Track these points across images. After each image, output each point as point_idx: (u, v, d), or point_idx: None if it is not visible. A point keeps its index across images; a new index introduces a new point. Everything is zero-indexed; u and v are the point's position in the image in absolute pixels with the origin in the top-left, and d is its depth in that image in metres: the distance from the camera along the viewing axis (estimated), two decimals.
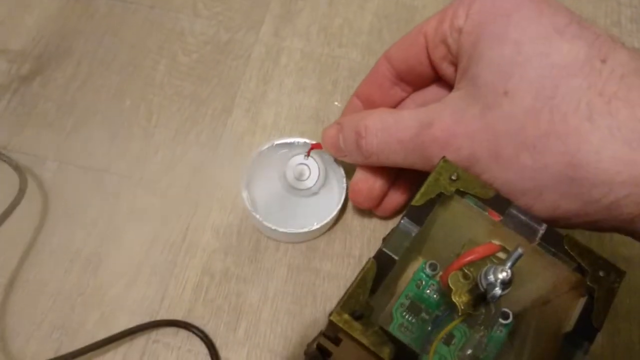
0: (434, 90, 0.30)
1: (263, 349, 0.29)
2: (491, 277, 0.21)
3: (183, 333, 0.29)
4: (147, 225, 0.32)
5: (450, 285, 0.23)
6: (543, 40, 0.22)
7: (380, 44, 0.39)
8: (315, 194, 0.33)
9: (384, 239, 0.31)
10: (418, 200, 0.23)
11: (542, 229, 0.23)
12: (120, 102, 0.35)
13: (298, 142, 0.33)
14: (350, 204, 0.33)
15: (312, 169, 0.32)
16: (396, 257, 0.22)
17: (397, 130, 0.26)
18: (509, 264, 0.21)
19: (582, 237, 0.24)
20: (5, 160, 0.32)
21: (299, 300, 0.31)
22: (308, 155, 0.32)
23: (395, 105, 0.31)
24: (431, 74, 0.29)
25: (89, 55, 0.37)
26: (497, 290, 0.21)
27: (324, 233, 0.32)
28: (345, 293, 0.22)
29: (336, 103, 0.37)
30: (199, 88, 0.36)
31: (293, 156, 0.33)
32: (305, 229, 0.31)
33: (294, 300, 0.30)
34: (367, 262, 0.22)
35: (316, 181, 0.32)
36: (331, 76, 0.38)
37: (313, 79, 0.37)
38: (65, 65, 0.37)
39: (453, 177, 0.23)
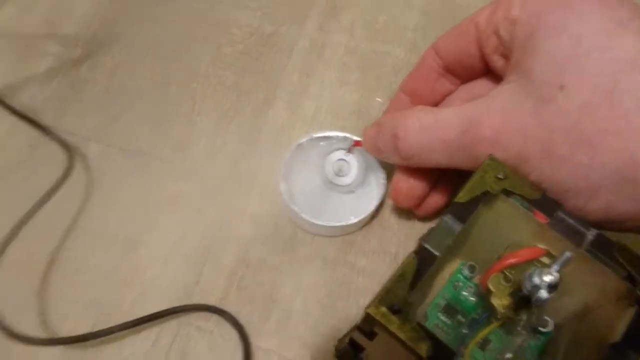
0: (482, 84, 0.29)
1: (294, 340, 0.29)
2: (536, 280, 0.21)
3: (215, 318, 0.29)
4: (186, 210, 0.32)
5: (491, 287, 0.23)
6: (605, 33, 0.21)
7: (424, 42, 0.38)
8: (352, 191, 0.32)
9: (421, 239, 0.30)
10: (462, 197, 0.22)
11: (591, 234, 0.22)
12: (165, 89, 0.36)
13: (337, 136, 0.33)
14: (388, 200, 0.33)
15: (351, 165, 0.32)
16: (437, 254, 0.22)
17: (438, 129, 0.25)
18: (555, 267, 0.21)
19: (628, 239, 0.23)
20: (54, 139, 0.33)
21: (332, 293, 0.30)
22: (349, 151, 0.32)
23: (442, 98, 0.30)
24: (481, 66, 0.28)
25: (137, 42, 0.38)
26: (543, 293, 0.20)
27: (360, 228, 0.32)
28: (384, 287, 0.22)
29: (378, 99, 0.36)
30: (241, 79, 0.37)
31: (333, 151, 0.33)
32: (342, 223, 0.30)
33: (327, 294, 0.30)
34: (407, 257, 0.22)
35: (355, 178, 0.32)
36: (374, 72, 0.37)
37: (356, 75, 0.37)
38: (114, 51, 0.37)
39: (500, 176, 0.23)
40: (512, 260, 0.23)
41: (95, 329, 0.28)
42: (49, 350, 0.28)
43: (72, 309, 0.29)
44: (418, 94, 0.30)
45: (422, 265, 0.22)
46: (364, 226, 0.32)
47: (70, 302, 0.29)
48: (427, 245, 0.22)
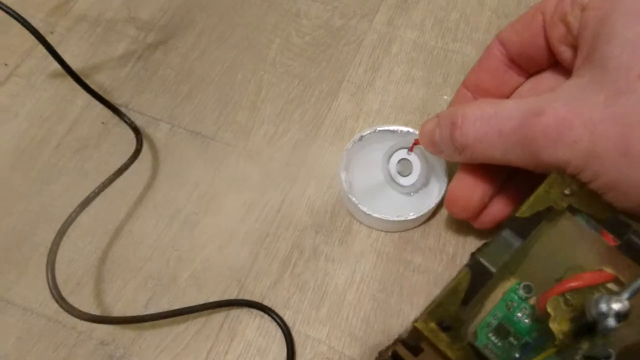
0: (550, 77, 0.27)
1: (344, 332, 0.29)
2: (604, 307, 0.19)
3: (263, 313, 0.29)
4: (245, 193, 0.33)
5: (549, 310, 0.21)
6: None
7: None
8: (412, 193, 0.32)
9: (473, 254, 0.29)
10: (524, 211, 0.21)
11: None
12: (233, 75, 0.37)
13: (401, 131, 0.32)
14: None
15: (414, 166, 0.32)
16: (493, 270, 0.21)
17: (497, 120, 0.23)
18: (626, 294, 0.19)
19: None
20: (126, 121, 0.34)
21: (385, 288, 0.30)
22: (411, 150, 0.31)
23: (510, 93, 0.29)
24: (548, 58, 0.26)
25: (209, 29, 0.39)
26: (611, 322, 0.18)
27: (418, 225, 0.31)
28: (434, 301, 0.21)
29: (445, 97, 0.36)
30: (308, 69, 0.37)
31: (396, 150, 0.32)
32: (400, 218, 0.30)
33: (380, 288, 0.30)
34: (460, 271, 0.21)
35: (416, 180, 0.31)
36: (442, 69, 0.37)
37: (423, 71, 0.37)
38: (187, 36, 0.38)
39: (566, 192, 0.21)
40: (575, 283, 0.21)
41: (152, 302, 0.29)
42: (102, 327, 0.28)
43: (131, 279, 0.30)
44: (482, 88, 0.29)
45: (476, 281, 0.20)
46: (422, 223, 0.32)
47: (131, 272, 0.30)
48: (482, 260, 0.21)
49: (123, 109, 0.35)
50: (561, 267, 0.23)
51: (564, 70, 0.26)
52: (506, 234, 0.21)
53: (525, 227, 0.21)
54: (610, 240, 0.21)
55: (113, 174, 0.30)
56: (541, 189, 0.21)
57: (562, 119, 0.21)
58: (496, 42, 0.28)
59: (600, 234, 0.21)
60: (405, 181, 0.32)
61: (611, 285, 0.22)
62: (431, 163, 0.32)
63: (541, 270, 0.24)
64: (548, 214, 0.21)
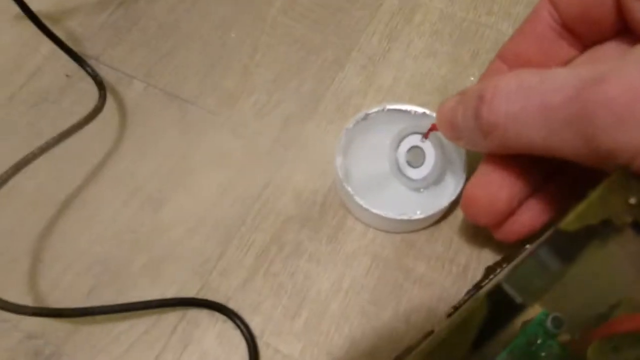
0: (615, 48, 0.21)
1: (322, 350, 0.23)
2: None
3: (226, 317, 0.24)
4: (224, 171, 0.27)
5: (590, 357, 0.16)
6: None
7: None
8: (422, 189, 0.26)
9: (488, 270, 0.23)
10: (570, 222, 0.15)
11: None
12: (225, 33, 0.31)
13: (416, 112, 0.27)
14: None
15: (428, 156, 0.26)
16: (519, 301, 0.15)
17: (542, 91, 0.17)
18: None
19: None
20: (89, 73, 0.29)
21: (379, 300, 0.24)
22: (426, 137, 0.26)
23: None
24: (616, 22, 0.20)
25: None
26: None
27: (426, 227, 0.26)
28: (435, 335, 0.15)
29: (472, 78, 0.30)
30: (313, 33, 0.31)
31: (408, 135, 0.26)
32: (405, 217, 0.24)
33: (372, 300, 0.24)
34: (474, 300, 0.15)
35: (429, 173, 0.26)
36: (471, 46, 0.31)
37: (448, 45, 0.31)
38: None
39: (632, 201, 0.15)
40: (628, 326, 0.16)
41: (95, 291, 0.25)
42: (32, 319, 0.24)
43: (75, 261, 0.25)
44: (523, 60, 0.23)
45: (496, 315, 0.15)
46: (430, 225, 0.26)
47: (75, 252, 0.25)
48: (506, 287, 0.15)
49: (92, 62, 0.30)
50: (608, 299, 0.17)
51: (635, 40, 0.20)
52: (544, 251, 0.15)
53: (570, 245, 0.15)
54: None
55: (61, 133, 0.25)
56: (596, 194, 0.15)
57: (635, 88, 0.15)
58: (546, 1, 0.22)
59: None
60: (415, 174, 0.26)
61: None
62: (449, 155, 0.26)
63: (579, 300, 0.18)
64: (604, 230, 0.15)
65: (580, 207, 0.15)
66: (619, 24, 0.20)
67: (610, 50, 0.21)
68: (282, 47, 0.31)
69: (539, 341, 0.18)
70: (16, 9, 0.31)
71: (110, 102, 0.29)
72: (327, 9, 0.32)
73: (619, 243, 0.16)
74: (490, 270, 0.24)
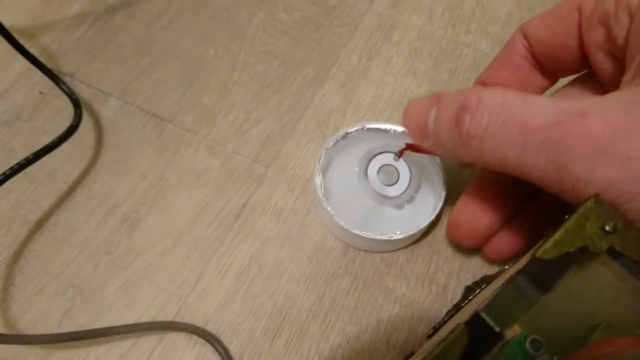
0: (582, 85, 0.23)
1: None
2: None
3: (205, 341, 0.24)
4: (201, 190, 0.27)
5: None
6: None
7: None
8: (400, 206, 0.26)
9: (467, 289, 0.24)
10: (547, 250, 0.15)
11: None
12: (203, 50, 0.31)
13: (395, 131, 0.27)
14: (445, 218, 0.26)
15: (401, 174, 0.26)
16: (498, 329, 0.15)
17: (525, 112, 0.18)
18: None
19: None
20: (65, 92, 0.28)
21: (359, 321, 0.24)
22: (399, 156, 0.26)
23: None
24: (580, 63, 0.22)
25: None
26: None
27: (406, 247, 0.26)
28: None
29: None
30: (292, 50, 0.31)
31: (380, 153, 0.26)
32: (385, 237, 0.24)
33: (353, 320, 0.24)
34: (453, 329, 0.15)
35: (404, 191, 0.26)
36: (449, 64, 0.31)
37: (427, 64, 0.31)
38: (156, 0, 0.33)
39: (607, 228, 0.16)
40: (607, 351, 0.16)
41: (69, 316, 0.24)
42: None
43: (48, 284, 0.25)
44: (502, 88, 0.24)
45: (476, 345, 0.15)
46: (410, 244, 0.26)
47: (48, 275, 0.25)
48: (484, 315, 0.15)
49: (68, 79, 0.29)
50: (586, 322, 0.17)
51: (596, 82, 0.22)
52: (521, 280, 0.15)
53: (547, 274, 0.15)
54: None
55: (36, 152, 0.24)
56: (573, 221, 0.15)
57: (616, 125, 0.16)
58: (520, 35, 0.23)
59: None
60: (391, 192, 0.26)
61: None
62: (427, 174, 0.26)
63: (558, 323, 0.18)
64: (580, 257, 0.15)
65: (557, 235, 0.15)
66: (584, 65, 0.22)
67: (578, 89, 0.23)
68: (261, 65, 0.31)
69: None
70: None
71: (85, 120, 0.28)
72: (306, 26, 0.32)
73: (596, 269, 0.16)
74: (469, 291, 0.24)
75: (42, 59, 0.29)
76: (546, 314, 0.18)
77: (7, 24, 0.27)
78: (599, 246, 0.15)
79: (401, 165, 0.26)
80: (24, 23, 0.32)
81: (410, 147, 0.24)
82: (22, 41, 0.28)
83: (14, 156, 0.27)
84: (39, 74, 0.29)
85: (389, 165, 0.26)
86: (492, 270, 0.25)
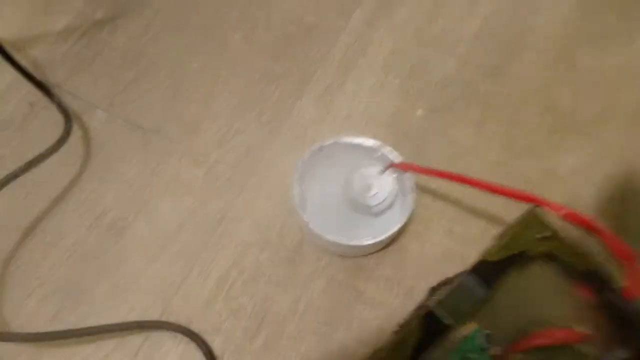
0: None
1: None
2: None
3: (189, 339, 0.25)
4: (185, 199, 0.29)
5: None
6: None
7: (481, 56, 0.34)
8: (377, 215, 0.28)
9: (432, 290, 0.26)
10: (493, 253, 0.18)
11: None
12: (187, 63, 0.33)
13: (367, 145, 0.29)
14: (410, 226, 0.28)
15: (383, 187, 0.28)
16: (449, 323, 0.17)
17: None
18: None
19: None
20: (57, 104, 0.30)
21: (332, 320, 0.26)
22: (384, 170, 0.28)
23: None
24: None
25: (166, 10, 0.35)
26: None
27: (376, 252, 0.28)
28: (377, 353, 0.17)
29: (419, 111, 0.32)
30: (272, 64, 0.33)
31: (366, 166, 0.28)
32: (356, 243, 0.26)
33: (326, 320, 0.26)
34: (410, 321, 0.18)
35: (381, 202, 0.28)
36: (419, 81, 0.33)
37: (398, 80, 0.33)
38: (140, 16, 0.34)
39: (543, 235, 0.18)
40: (541, 341, 0.19)
41: (58, 317, 0.25)
42: None
43: (37, 288, 0.26)
44: None
45: (429, 334, 0.17)
46: (380, 250, 0.28)
47: (37, 279, 0.26)
48: (437, 312, 0.17)
49: (56, 90, 0.31)
50: (527, 318, 0.20)
51: None
52: (470, 279, 0.17)
53: (492, 274, 0.17)
54: (587, 295, 0.18)
55: (27, 163, 0.26)
56: (515, 230, 0.18)
57: None
58: None
59: (577, 287, 0.18)
60: (370, 201, 0.28)
61: (584, 347, 0.19)
62: (401, 183, 0.29)
63: (505, 319, 0.21)
64: (520, 259, 0.17)
65: (503, 241, 0.17)
66: None
67: None
68: (242, 77, 0.33)
69: (472, 356, 0.21)
70: None
71: (73, 131, 0.30)
72: (286, 41, 0.34)
73: (534, 270, 0.18)
74: (433, 291, 0.26)
75: (31, 71, 0.30)
76: (495, 311, 0.21)
77: None
78: (535, 250, 0.17)
79: (384, 178, 0.28)
80: (12, 35, 0.33)
81: (395, 165, 0.27)
82: (11, 51, 0.29)
83: (3, 165, 0.28)
84: (28, 86, 0.30)
85: (372, 177, 0.28)
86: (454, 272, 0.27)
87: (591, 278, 0.18)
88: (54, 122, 0.30)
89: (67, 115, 0.29)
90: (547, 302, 0.19)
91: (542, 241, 0.18)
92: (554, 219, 0.19)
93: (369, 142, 0.29)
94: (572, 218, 0.21)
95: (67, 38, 0.33)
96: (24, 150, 0.29)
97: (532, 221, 0.18)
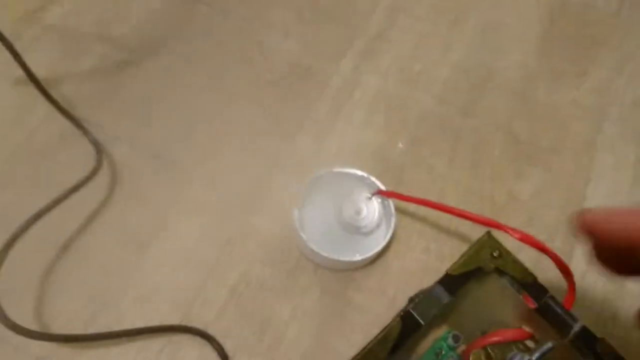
0: None
1: None
2: None
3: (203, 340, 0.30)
4: (200, 219, 0.33)
5: None
6: None
7: (453, 95, 0.40)
8: (365, 234, 0.33)
9: (411, 299, 0.31)
10: (455, 269, 0.23)
11: (577, 326, 0.22)
12: (199, 102, 0.38)
13: (356, 175, 0.34)
14: (393, 244, 0.33)
15: (370, 210, 0.33)
16: (422, 322, 0.22)
17: None
18: (536, 355, 0.21)
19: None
20: (89, 139, 0.34)
21: (326, 325, 0.31)
22: (372, 196, 0.33)
23: None
24: None
25: (182, 54, 0.39)
26: None
27: (363, 266, 0.33)
28: (365, 347, 0.22)
29: (400, 145, 0.37)
30: (274, 104, 0.38)
31: (356, 192, 0.33)
32: (347, 259, 0.31)
33: (321, 325, 0.31)
34: (392, 320, 0.22)
35: (371, 223, 0.33)
36: (400, 117, 0.39)
37: (382, 117, 0.38)
38: (156, 59, 0.39)
39: (495, 254, 0.23)
40: (496, 339, 0.23)
41: (92, 322, 0.30)
42: (39, 343, 0.28)
43: (74, 297, 0.30)
44: None
45: (406, 331, 0.22)
46: (367, 265, 0.33)
47: (74, 289, 0.30)
48: (413, 312, 0.22)
49: (84, 124, 0.35)
50: (486, 321, 0.25)
51: None
52: (437, 289, 0.22)
53: (454, 284, 0.22)
54: (530, 302, 0.22)
55: (69, 190, 0.30)
56: (472, 250, 0.23)
57: None
58: None
59: (522, 296, 0.23)
60: (360, 222, 0.33)
61: (529, 343, 0.24)
62: (385, 206, 0.34)
63: (469, 322, 0.26)
64: (477, 273, 0.22)
65: (462, 258, 0.23)
66: None
67: None
68: (248, 115, 0.37)
69: (443, 352, 0.26)
70: (14, 74, 0.36)
71: (102, 161, 0.34)
72: (286, 82, 0.39)
73: (489, 282, 0.23)
74: (412, 300, 0.31)
75: (63, 106, 0.35)
76: (461, 316, 0.26)
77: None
78: (489, 266, 0.23)
79: (371, 203, 0.33)
80: (42, 75, 0.37)
81: (383, 193, 0.32)
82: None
83: (40, 192, 0.32)
84: (59, 120, 0.35)
85: (362, 202, 0.33)
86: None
87: (532, 289, 0.23)
88: (83, 152, 0.34)
89: (98, 147, 0.33)
90: (500, 308, 0.24)
91: (494, 259, 0.23)
92: (504, 240, 0.24)
93: (358, 172, 0.34)
94: (526, 240, 0.25)
95: (91, 78, 0.38)
96: (59, 177, 0.33)
97: (486, 242, 0.23)
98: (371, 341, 0.21)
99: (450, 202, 0.35)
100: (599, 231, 0.20)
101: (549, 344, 0.21)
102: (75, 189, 0.30)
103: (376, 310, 0.32)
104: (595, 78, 0.42)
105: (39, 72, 0.37)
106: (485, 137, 0.38)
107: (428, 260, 0.33)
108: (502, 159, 0.38)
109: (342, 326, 0.31)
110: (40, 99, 0.34)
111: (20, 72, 0.33)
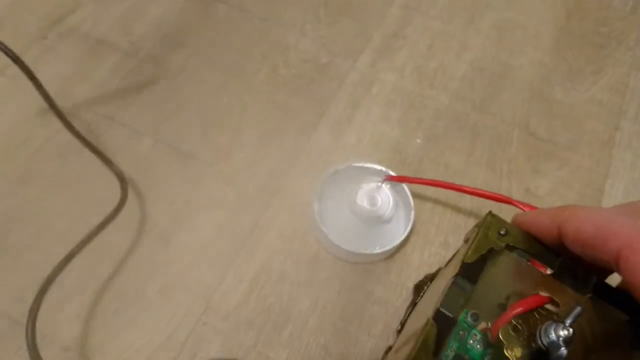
0: None
1: (303, 356, 0.30)
2: (552, 336, 0.21)
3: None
4: (220, 213, 0.34)
5: (502, 339, 0.23)
6: None
7: (469, 92, 0.40)
8: (384, 222, 0.33)
9: (416, 286, 0.31)
10: (470, 257, 0.23)
11: (592, 280, 0.22)
12: (219, 98, 0.38)
13: (374, 169, 0.34)
14: (412, 237, 0.34)
15: (383, 198, 0.33)
16: (453, 316, 0.22)
17: None
18: (569, 321, 0.21)
19: None
20: (114, 171, 0.33)
21: (346, 317, 0.31)
22: (382, 183, 0.33)
23: None
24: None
25: (200, 51, 0.40)
26: (563, 351, 0.20)
27: (383, 259, 0.33)
28: (408, 356, 0.22)
29: (418, 140, 0.38)
30: (291, 100, 0.39)
31: (368, 182, 0.34)
32: (367, 252, 0.31)
33: (341, 316, 0.31)
34: (426, 324, 0.23)
35: (386, 211, 0.33)
36: (417, 113, 0.39)
37: (399, 113, 0.39)
38: (178, 56, 0.40)
39: (502, 232, 0.23)
40: (518, 310, 0.24)
41: (116, 313, 0.30)
42: None
43: (102, 287, 0.31)
44: None
45: (442, 329, 0.22)
46: (386, 258, 0.33)
47: (99, 281, 0.31)
48: (442, 309, 0.23)
49: (108, 121, 0.36)
50: (502, 294, 0.25)
51: None
52: (459, 280, 0.22)
53: (473, 271, 0.23)
54: (542, 268, 0.23)
55: (96, 227, 0.30)
56: (481, 234, 0.23)
57: None
58: None
59: (534, 265, 0.23)
60: (375, 212, 0.33)
61: (550, 307, 0.24)
62: (400, 195, 0.34)
63: (485, 300, 0.26)
64: (490, 255, 0.23)
65: (474, 245, 0.23)
66: None
67: None
68: (266, 111, 0.38)
69: (465, 333, 0.26)
70: (36, 105, 0.36)
71: (123, 155, 0.35)
72: (302, 79, 0.40)
73: (502, 260, 0.24)
74: (418, 288, 0.31)
75: (84, 106, 0.35)
76: (478, 295, 0.26)
77: (52, 72, 0.33)
78: (499, 245, 0.23)
79: (383, 192, 0.34)
80: (67, 72, 0.38)
81: (391, 178, 0.33)
82: (67, 87, 0.34)
83: (79, 218, 0.33)
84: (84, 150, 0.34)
85: (374, 191, 0.34)
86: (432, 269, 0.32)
87: (543, 256, 0.23)
88: (106, 178, 0.34)
89: (122, 179, 0.33)
90: (516, 280, 0.24)
91: (502, 237, 0.23)
92: (506, 218, 0.25)
93: (376, 166, 0.34)
94: None
95: (115, 75, 0.38)
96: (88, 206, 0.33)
97: (491, 223, 0.23)
98: (412, 350, 0.22)
99: (467, 199, 0.35)
100: (531, 231, 0.24)
101: (578, 308, 0.21)
102: (102, 225, 0.30)
103: (396, 303, 0.32)
104: (611, 76, 0.42)
105: (63, 70, 0.38)
106: (502, 134, 0.39)
107: (447, 255, 0.33)
108: (519, 155, 0.38)
109: (362, 318, 0.31)
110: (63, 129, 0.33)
111: (42, 102, 0.32)
